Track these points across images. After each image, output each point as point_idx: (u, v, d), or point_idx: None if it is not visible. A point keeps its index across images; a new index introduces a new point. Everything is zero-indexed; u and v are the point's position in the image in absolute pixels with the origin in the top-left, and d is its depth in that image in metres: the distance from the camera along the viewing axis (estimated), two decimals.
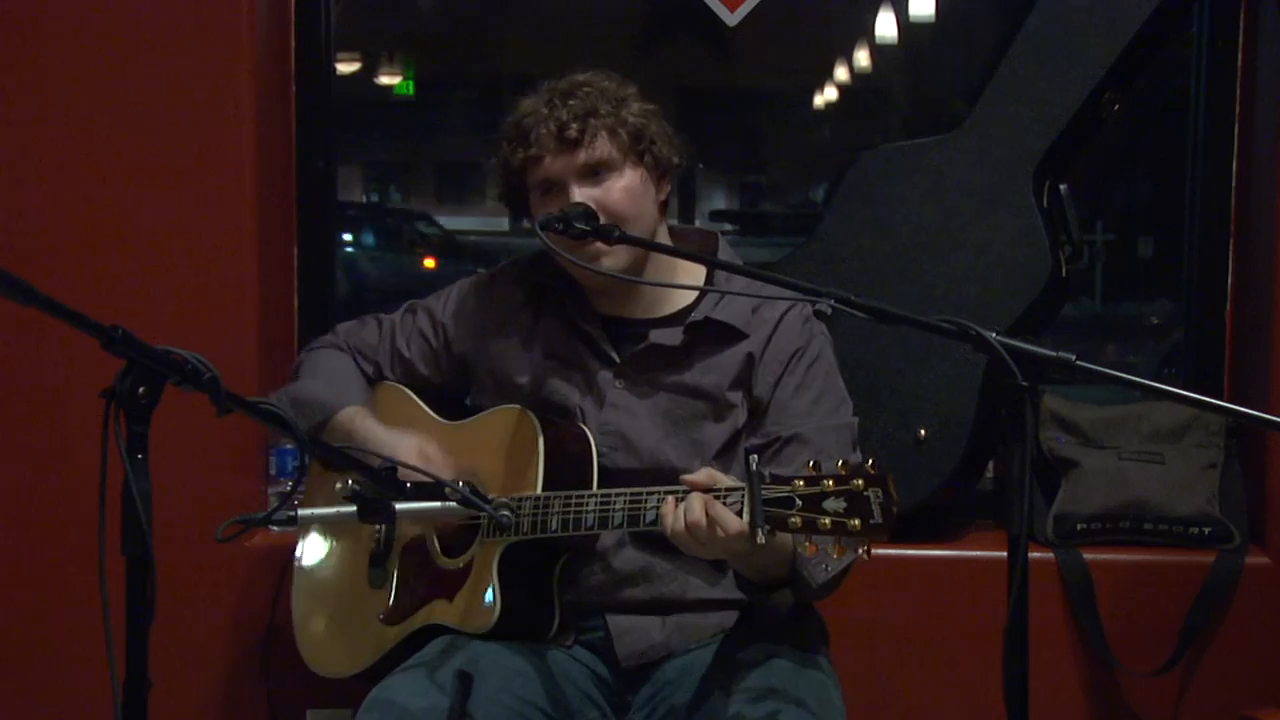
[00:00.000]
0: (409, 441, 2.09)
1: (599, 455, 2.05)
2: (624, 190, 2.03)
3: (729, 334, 2.09)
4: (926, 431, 2.66)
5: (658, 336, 2.10)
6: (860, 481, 1.62)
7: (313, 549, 2.31)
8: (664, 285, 2.11)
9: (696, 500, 1.74)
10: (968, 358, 2.57)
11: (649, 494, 1.85)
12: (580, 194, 2.01)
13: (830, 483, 1.64)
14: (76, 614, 2.48)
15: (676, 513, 1.77)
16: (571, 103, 2.03)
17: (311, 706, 2.70)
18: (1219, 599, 2.65)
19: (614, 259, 2.02)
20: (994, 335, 1.65)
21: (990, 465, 2.89)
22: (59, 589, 2.69)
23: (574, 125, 2.01)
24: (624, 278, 2.04)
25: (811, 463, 1.67)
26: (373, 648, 2.14)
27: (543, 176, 2.04)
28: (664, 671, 2.05)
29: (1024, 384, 1.62)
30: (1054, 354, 1.64)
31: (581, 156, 2.02)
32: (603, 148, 2.02)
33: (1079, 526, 2.72)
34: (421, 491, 1.81)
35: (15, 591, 2.76)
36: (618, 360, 2.10)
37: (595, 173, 2.03)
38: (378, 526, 2.16)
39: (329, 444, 2.01)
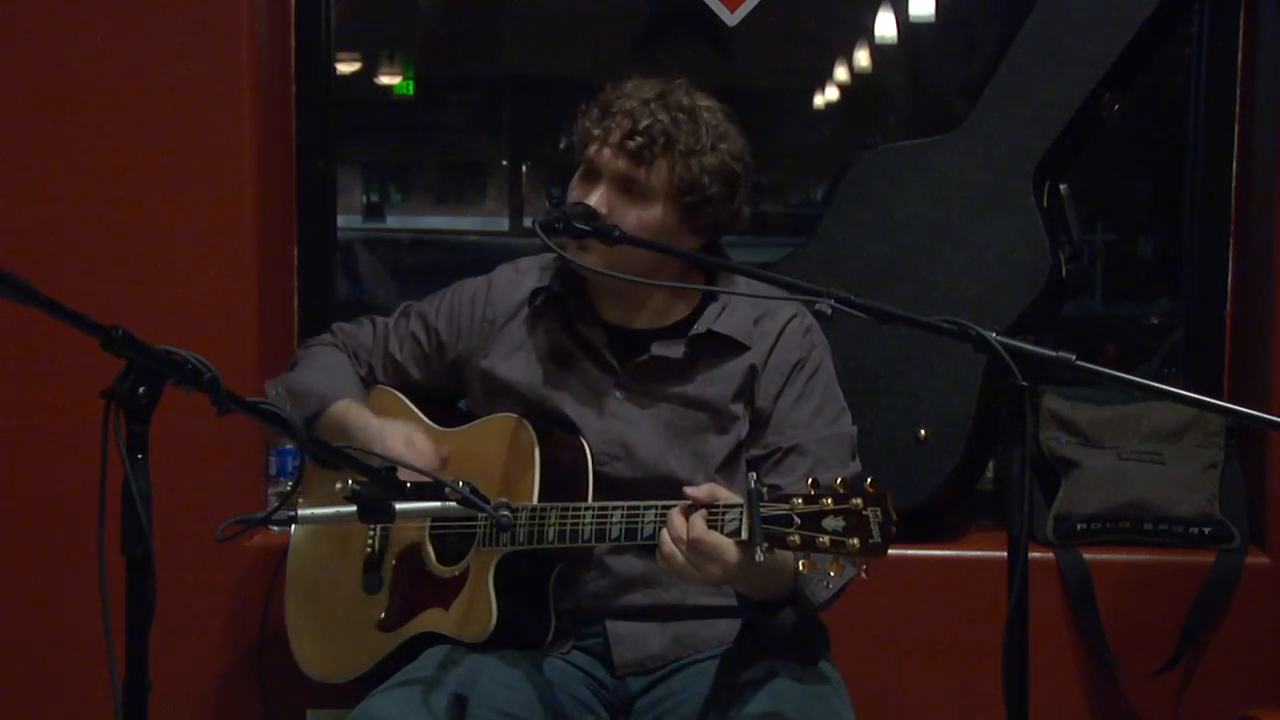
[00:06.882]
0: (396, 428, 2.08)
1: (600, 464, 2.03)
2: (639, 220, 1.99)
3: (731, 346, 2.08)
4: (926, 431, 2.65)
5: (660, 349, 2.08)
6: (859, 500, 1.62)
7: (304, 553, 2.30)
8: (670, 286, 2.08)
9: (676, 515, 1.74)
10: (968, 358, 2.56)
11: (646, 508, 1.85)
12: (602, 197, 1.98)
13: (829, 501, 1.64)
14: (76, 614, 2.47)
15: (662, 536, 1.75)
16: (660, 118, 1.98)
17: (311, 706, 2.70)
18: (1219, 599, 2.64)
19: (597, 256, 1.98)
20: (994, 335, 1.65)
21: (990, 465, 2.88)
22: (59, 589, 2.69)
23: (639, 140, 1.97)
24: (619, 276, 1.96)
25: (810, 480, 1.67)
26: (368, 654, 2.13)
27: (590, 158, 2.02)
28: (668, 684, 2.03)
29: (1024, 384, 1.62)
30: (1054, 354, 1.64)
31: (626, 167, 1.99)
32: (649, 175, 1.99)
33: (1079, 526, 2.72)
34: (421, 491, 1.81)
35: (15, 591, 2.75)
36: (618, 369, 2.09)
37: (629, 189, 2.00)
38: (371, 532, 2.15)
39: (328, 443, 2.00)
